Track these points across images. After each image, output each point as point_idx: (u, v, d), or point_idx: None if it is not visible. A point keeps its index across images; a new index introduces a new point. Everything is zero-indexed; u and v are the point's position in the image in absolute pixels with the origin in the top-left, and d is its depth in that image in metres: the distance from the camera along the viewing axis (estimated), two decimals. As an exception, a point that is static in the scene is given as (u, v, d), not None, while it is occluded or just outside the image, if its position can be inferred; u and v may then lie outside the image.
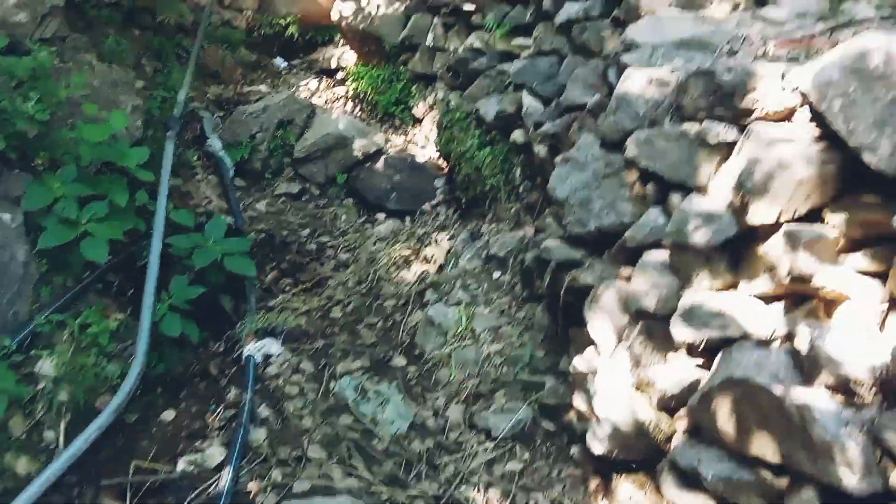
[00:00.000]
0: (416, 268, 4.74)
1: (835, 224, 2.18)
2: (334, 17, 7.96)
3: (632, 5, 3.89)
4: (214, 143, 6.43)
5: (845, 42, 2.25)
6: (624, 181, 2.93)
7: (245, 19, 9.20)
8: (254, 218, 5.99)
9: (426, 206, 6.08)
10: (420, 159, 6.53)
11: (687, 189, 2.64)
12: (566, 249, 3.14)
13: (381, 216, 6.15)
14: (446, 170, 6.21)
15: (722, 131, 2.51)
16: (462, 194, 5.50)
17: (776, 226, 2.27)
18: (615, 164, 2.99)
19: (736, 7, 3.82)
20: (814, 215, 2.25)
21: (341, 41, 8.69)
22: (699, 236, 2.44)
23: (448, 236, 5.13)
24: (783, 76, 2.37)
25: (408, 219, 6.03)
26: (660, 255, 2.68)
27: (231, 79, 8.46)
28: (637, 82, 2.92)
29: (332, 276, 4.96)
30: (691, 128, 2.61)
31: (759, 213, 2.29)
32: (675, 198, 2.68)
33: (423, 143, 6.66)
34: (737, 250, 2.44)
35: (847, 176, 2.19)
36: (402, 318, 4.08)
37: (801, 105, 2.31)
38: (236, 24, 9.07)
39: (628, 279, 2.81)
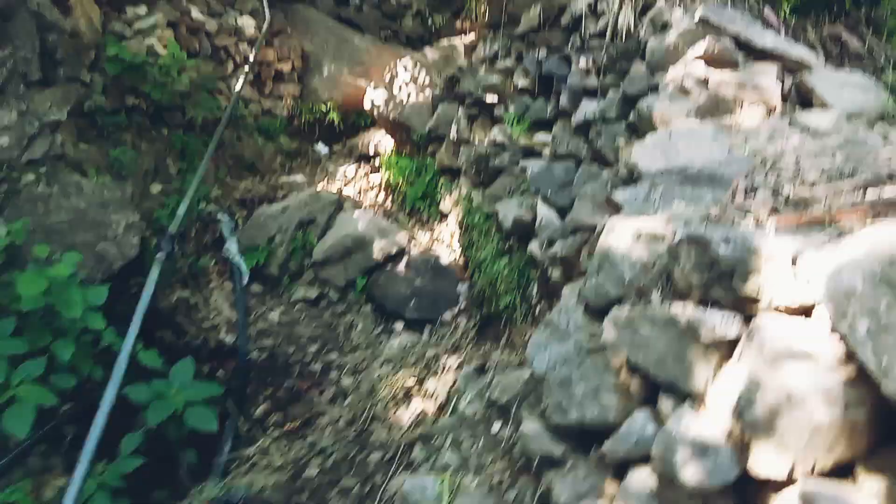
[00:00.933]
0: (416, 405, 4.15)
1: (872, 490, 1.47)
2: (367, 105, 7.68)
3: (644, 115, 3.27)
4: (231, 248, 6.13)
5: (876, 227, 1.57)
6: (609, 363, 2.27)
7: (286, 107, 9.08)
8: (262, 333, 5.58)
9: (447, 315, 5.51)
10: (444, 260, 5.99)
11: (679, 393, 1.96)
12: (546, 441, 2.48)
13: (398, 326, 5.63)
14: (470, 275, 5.64)
15: (719, 324, 1.84)
16: (477, 310, 4.91)
17: (789, 480, 1.57)
18: (600, 338, 2.34)
19: (771, 111, 3.14)
20: (842, 469, 1.54)
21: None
22: (690, 473, 1.76)
23: (457, 362, 4.53)
24: (794, 260, 1.70)
25: (426, 330, 5.48)
26: (648, 480, 1.99)
27: (269, 168, 8.28)
28: (623, 237, 2.28)
29: (325, 412, 4.43)
30: (683, 313, 1.94)
31: (764, 461, 1.59)
32: (665, 402, 2.01)
33: (447, 242, 6.13)
34: (743, 495, 1.74)
35: (885, 422, 1.48)
36: (383, 483, 3.48)
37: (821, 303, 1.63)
38: (277, 113, 8.96)
39: (612, 501, 2.13)
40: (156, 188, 6.12)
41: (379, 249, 6.07)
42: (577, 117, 4.16)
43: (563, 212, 4.12)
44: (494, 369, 3.97)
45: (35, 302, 3.24)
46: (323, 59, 9.03)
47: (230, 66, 8.01)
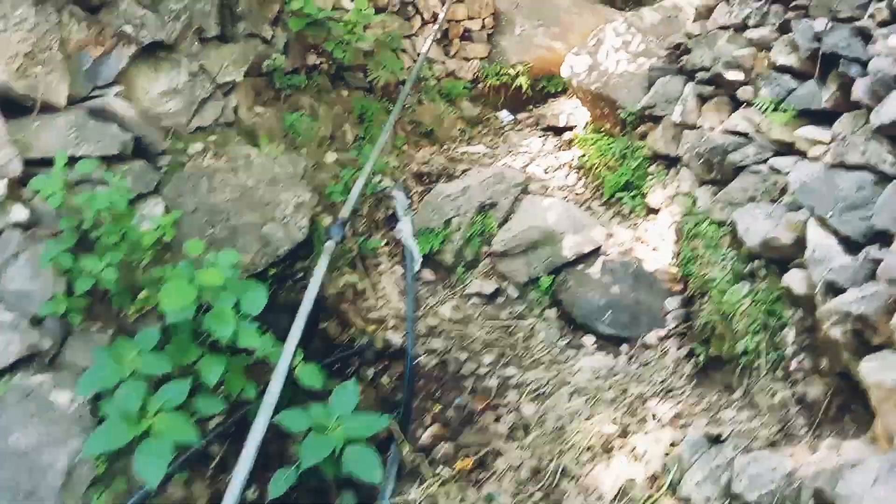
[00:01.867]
0: (619, 467, 3.30)
1: None
2: (564, 72, 6.71)
3: None
4: (404, 229, 5.52)
5: None
6: None
7: (471, 69, 8.32)
8: (431, 330, 4.94)
9: (650, 337, 4.57)
10: (649, 266, 5.01)
11: None
12: None
13: (588, 341, 4.77)
14: (683, 289, 4.63)
15: None
16: (701, 347, 3.93)
17: None
18: None
19: None
20: None
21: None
22: None
23: (672, 412, 3.60)
24: None
25: (623, 352, 4.58)
26: None
27: (448, 136, 7.62)
28: None
29: (503, 449, 3.70)
30: None
31: None
32: None
33: (655, 245, 5.12)
34: None
35: None
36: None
37: None
38: (461, 75, 8.23)
39: None
40: (330, 157, 5.61)
41: (570, 246, 5.19)
42: (882, 115, 3.00)
43: (851, 244, 3.02)
44: (734, 443, 3.00)
45: (181, 315, 2.73)
46: (516, 17, 8.14)
47: (417, 23, 7.35)
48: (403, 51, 7.14)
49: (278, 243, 4.10)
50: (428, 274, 5.51)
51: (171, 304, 2.63)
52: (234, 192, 3.81)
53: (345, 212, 4.20)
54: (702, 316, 3.97)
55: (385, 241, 5.64)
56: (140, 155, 3.52)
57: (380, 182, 5.74)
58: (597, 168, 6.07)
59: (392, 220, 5.71)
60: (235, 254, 3.07)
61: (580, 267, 5.16)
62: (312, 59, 5.78)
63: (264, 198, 4.01)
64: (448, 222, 5.53)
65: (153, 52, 3.74)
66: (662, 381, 3.99)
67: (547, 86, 8.22)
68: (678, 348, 4.36)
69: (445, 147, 7.40)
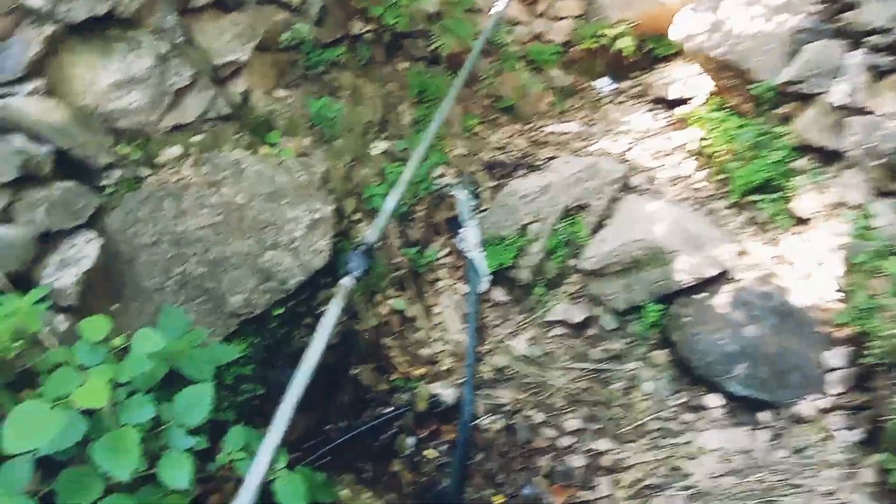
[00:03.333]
0: None
1: None
2: (676, 35, 5.28)
3: None
4: (468, 237, 4.37)
5: None
6: None
7: (563, 31, 6.94)
8: (498, 374, 3.81)
9: (805, 407, 3.25)
10: (797, 299, 3.64)
11: None
12: None
13: (711, 402, 3.50)
14: (851, 339, 3.25)
15: None
16: (894, 459, 2.57)
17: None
18: None
19: None
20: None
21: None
22: None
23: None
24: None
25: (763, 424, 3.28)
26: None
27: (534, 110, 6.34)
28: None
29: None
30: None
31: None
32: None
33: (806, 270, 3.73)
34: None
35: None
36: None
37: None
38: (550, 38, 6.88)
39: None
40: (377, 148, 4.51)
41: (685, 267, 3.88)
42: None
43: None
44: None
45: (54, 446, 1.71)
46: (617, -36, 6.68)
47: (494, -24, 6.05)
48: (476, 11, 5.88)
49: (285, 275, 3.05)
50: (498, 294, 4.34)
51: (23, 440, 1.61)
52: (214, 213, 2.79)
53: (372, 233, 3.07)
54: (882, 385, 2.61)
55: (445, 250, 4.52)
56: (69, 174, 2.55)
57: (439, 177, 4.58)
58: (721, 157, 4.67)
59: (454, 224, 4.56)
60: (173, 325, 2.02)
61: (701, 296, 3.85)
62: (357, 26, 4.65)
63: (261, 218, 2.96)
64: (524, 229, 4.33)
65: (98, 30, 2.73)
66: (830, 494, 2.68)
67: (656, 48, 6.72)
68: (849, 429, 3.01)
69: (529, 126, 6.12)
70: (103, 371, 1.80)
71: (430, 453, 3.22)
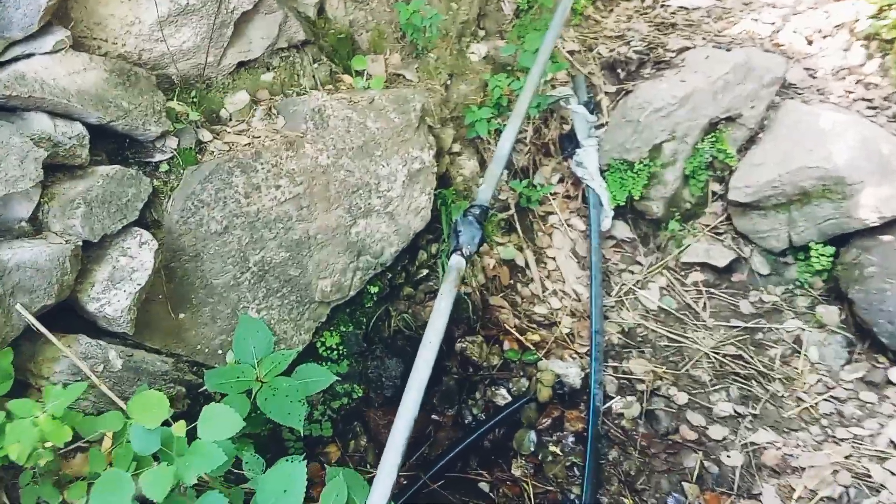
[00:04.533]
0: None
1: None
2: None
3: None
4: (586, 160, 3.67)
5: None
6: None
7: None
8: (626, 340, 3.23)
9: None
10: None
11: None
12: None
13: (901, 379, 2.83)
14: None
15: None
16: None
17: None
18: None
19: None
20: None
21: None
22: None
23: None
24: None
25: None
26: None
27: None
28: None
29: None
30: None
31: None
32: None
33: None
34: None
35: None
36: None
37: None
38: None
39: None
40: (478, 51, 3.75)
41: (871, 202, 3.08)
42: None
43: None
44: None
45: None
46: None
47: None
48: None
49: (381, 245, 2.51)
50: (622, 230, 3.69)
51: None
52: (294, 183, 2.21)
53: (484, 190, 2.43)
54: None
55: (557, 176, 3.84)
56: (113, 155, 2.00)
57: (548, 85, 3.82)
58: (909, 42, 3.66)
59: (568, 143, 3.84)
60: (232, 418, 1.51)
61: (889, 239, 3.07)
62: None
63: (350, 181, 2.37)
64: (657, 149, 3.58)
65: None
66: None
67: None
68: None
69: (650, 2, 5.11)
70: (160, 476, 1.34)
71: (553, 451, 2.74)
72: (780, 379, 2.96)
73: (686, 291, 3.43)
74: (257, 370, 1.85)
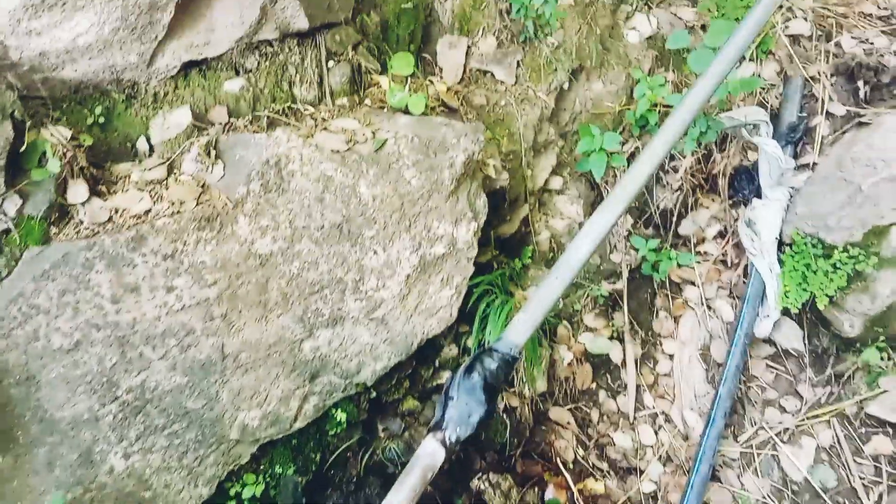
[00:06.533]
0: None
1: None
2: None
3: None
4: (759, 222, 2.51)
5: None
6: None
7: None
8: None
9: None
10: None
11: None
12: None
13: None
14: None
15: None
16: None
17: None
18: None
19: None
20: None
21: None
22: None
23: None
24: None
25: None
26: None
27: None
28: None
29: None
30: None
31: None
32: None
33: None
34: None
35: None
36: None
37: None
38: None
39: None
40: (642, 25, 2.59)
41: None
42: None
43: None
44: None
45: None
46: None
47: None
48: None
49: (356, 361, 1.73)
50: (790, 336, 2.50)
51: None
52: (200, 283, 1.43)
53: (516, 331, 1.47)
54: None
55: (718, 229, 2.66)
56: None
57: (721, 110, 2.58)
58: None
59: (747, 184, 2.62)
60: None
61: None
62: None
63: (310, 275, 1.54)
64: (879, 236, 2.32)
65: None
66: None
67: None
68: None
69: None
70: None
71: None
72: None
73: (859, 465, 2.24)
74: None
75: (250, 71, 1.69)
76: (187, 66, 1.63)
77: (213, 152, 1.54)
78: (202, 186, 1.50)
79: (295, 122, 1.68)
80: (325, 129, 1.68)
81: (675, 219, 2.60)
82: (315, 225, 1.55)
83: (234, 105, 1.67)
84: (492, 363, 1.50)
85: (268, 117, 1.68)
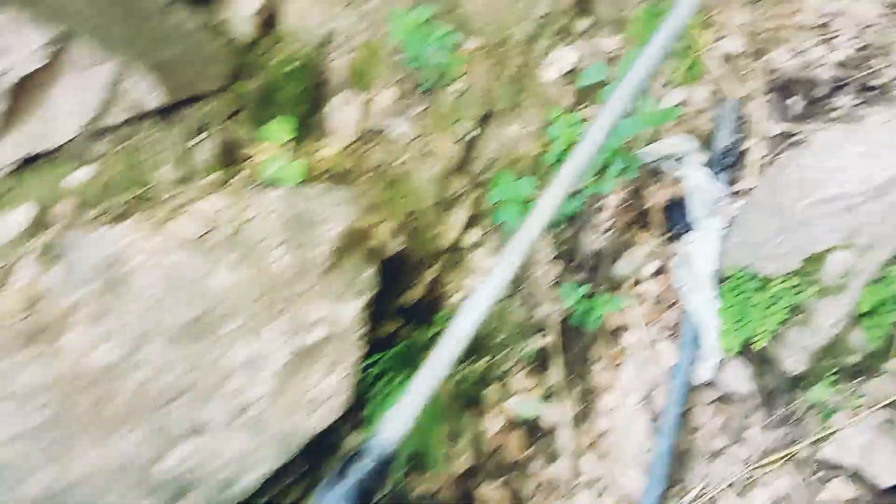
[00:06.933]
0: None
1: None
2: None
3: None
4: (694, 257, 2.35)
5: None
6: None
7: None
8: None
9: None
10: None
11: None
12: None
13: None
14: None
15: None
16: None
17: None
18: None
19: None
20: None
21: None
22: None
23: None
24: None
25: None
26: None
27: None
28: None
29: None
30: None
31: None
32: None
33: None
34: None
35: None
36: None
37: None
38: None
39: None
40: (563, 59, 2.49)
41: None
42: None
43: None
44: None
45: None
46: None
47: None
48: None
49: (230, 471, 1.56)
50: (736, 377, 2.34)
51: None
52: (20, 412, 1.28)
53: (395, 422, 1.31)
54: None
55: (656, 266, 2.51)
56: None
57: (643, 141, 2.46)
58: None
59: (680, 218, 2.48)
60: None
61: None
62: None
63: (160, 382, 1.40)
64: (816, 262, 2.16)
65: None
66: None
67: None
68: None
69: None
70: None
71: None
72: None
73: (818, 514, 2.08)
74: None
75: (101, 157, 1.57)
76: (27, 162, 1.51)
77: (51, 253, 1.42)
78: (35, 294, 1.37)
79: (150, 209, 1.55)
80: (186, 213, 1.55)
81: (608, 261, 2.47)
82: (166, 324, 1.42)
83: (81, 197, 1.54)
84: (365, 465, 1.36)
85: (121, 207, 1.55)
